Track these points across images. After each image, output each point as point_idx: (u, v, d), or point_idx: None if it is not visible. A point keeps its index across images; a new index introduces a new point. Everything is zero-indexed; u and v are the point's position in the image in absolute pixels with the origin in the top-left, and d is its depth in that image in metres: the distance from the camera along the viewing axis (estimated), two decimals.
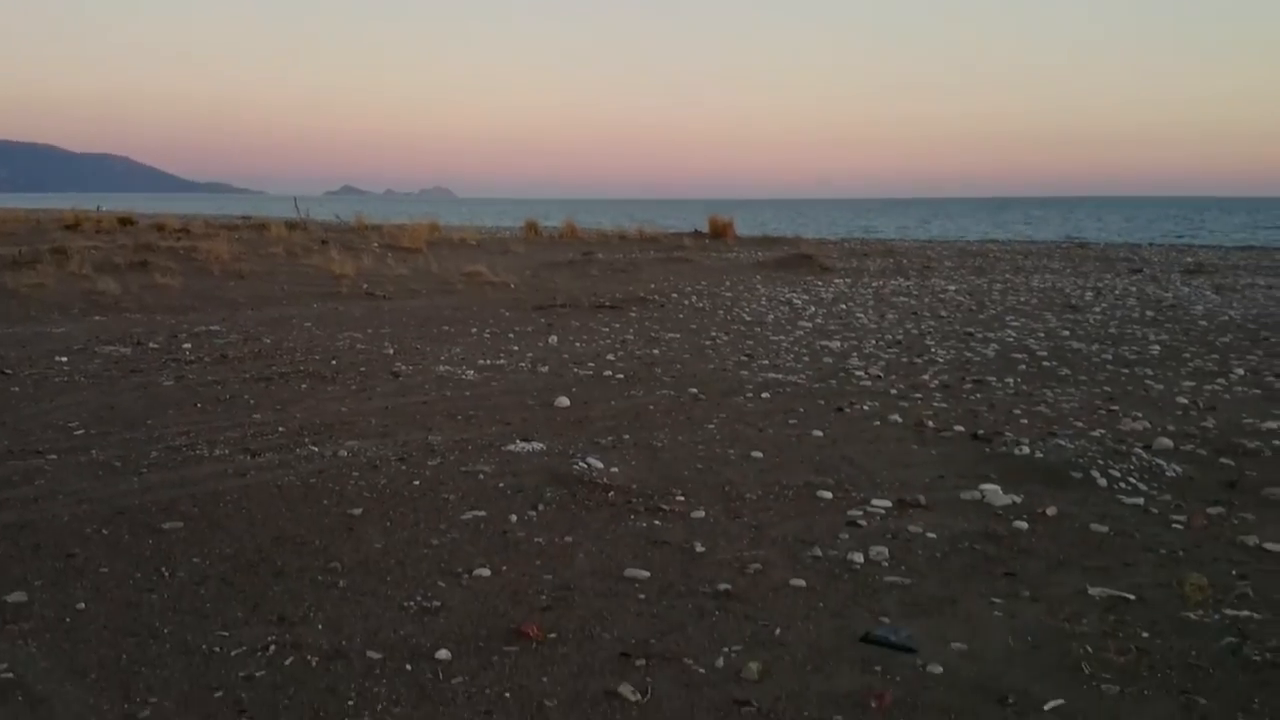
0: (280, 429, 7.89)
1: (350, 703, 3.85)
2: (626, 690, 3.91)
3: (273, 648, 4.28)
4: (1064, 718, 3.83)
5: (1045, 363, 11.36)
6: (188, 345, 12.00)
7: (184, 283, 17.43)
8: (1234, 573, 5.23)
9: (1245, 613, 4.78)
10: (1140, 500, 6.29)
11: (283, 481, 6.50)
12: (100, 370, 10.36)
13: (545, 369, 10.73)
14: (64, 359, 10.93)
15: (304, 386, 9.60)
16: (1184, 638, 4.53)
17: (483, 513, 5.94)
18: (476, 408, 8.75)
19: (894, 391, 9.66)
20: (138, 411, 8.49)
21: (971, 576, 5.17)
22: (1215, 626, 4.65)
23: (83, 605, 4.69)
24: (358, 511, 5.95)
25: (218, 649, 4.27)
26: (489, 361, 11.13)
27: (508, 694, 3.92)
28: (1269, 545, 5.51)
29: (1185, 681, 4.13)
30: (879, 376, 10.47)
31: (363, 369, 10.53)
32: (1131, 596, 4.96)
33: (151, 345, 11.99)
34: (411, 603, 4.72)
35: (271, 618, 4.57)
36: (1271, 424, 8.17)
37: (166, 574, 5.08)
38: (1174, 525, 5.86)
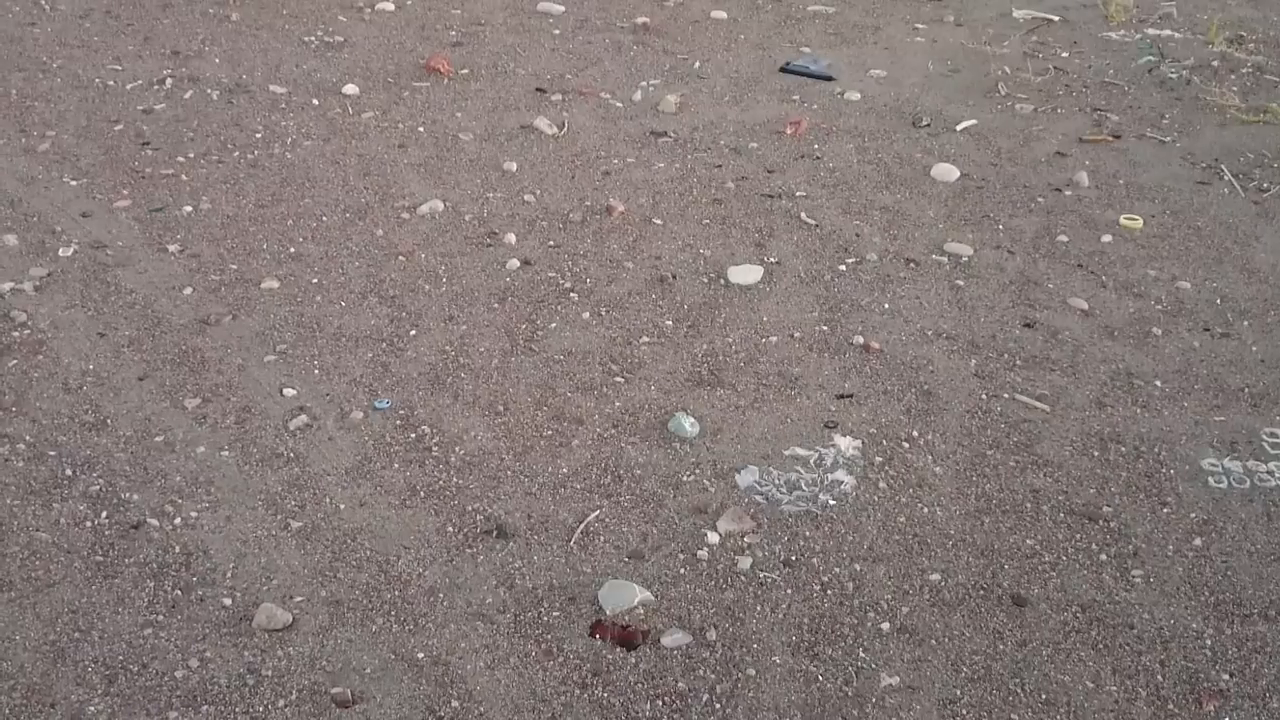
0: None
1: (258, 135, 3.75)
2: (543, 124, 3.85)
3: (169, 81, 4.09)
4: (976, 136, 3.87)
5: None
6: None
7: None
8: None
9: (1167, 32, 4.78)
10: None
11: None
12: None
13: None
14: None
15: None
16: (1103, 57, 4.53)
17: None
18: None
19: None
20: None
21: (896, 2, 5.02)
22: (1135, 45, 4.65)
23: None
24: None
25: (112, 83, 4.07)
26: None
27: (421, 128, 3.84)
28: None
29: (1099, 99, 4.16)
30: None
31: None
32: (1055, 18, 4.90)
33: None
34: (312, 38, 4.48)
35: (164, 51, 4.32)
36: None
37: (47, 7, 4.75)
38: None
